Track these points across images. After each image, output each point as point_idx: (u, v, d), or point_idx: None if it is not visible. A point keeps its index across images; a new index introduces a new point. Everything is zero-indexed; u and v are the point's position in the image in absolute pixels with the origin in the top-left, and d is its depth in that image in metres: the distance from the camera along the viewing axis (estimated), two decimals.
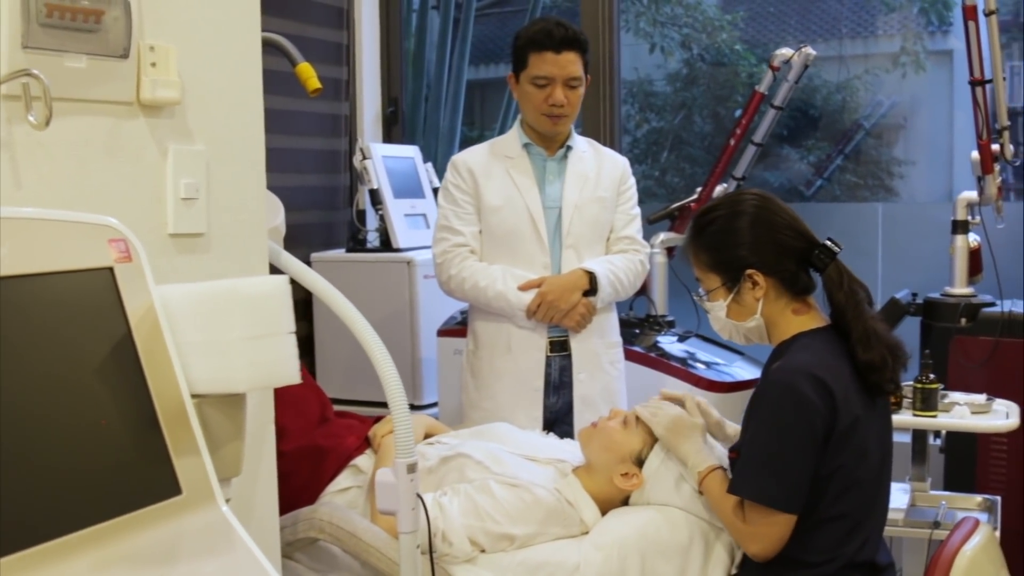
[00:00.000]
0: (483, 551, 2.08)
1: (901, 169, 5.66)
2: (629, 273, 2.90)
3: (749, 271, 2.01)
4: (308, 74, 2.41)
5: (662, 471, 2.17)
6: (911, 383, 2.64)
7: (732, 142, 3.50)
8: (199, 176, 1.73)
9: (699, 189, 3.59)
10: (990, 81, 3.07)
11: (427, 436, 2.47)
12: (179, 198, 1.70)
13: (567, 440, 2.52)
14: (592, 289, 2.81)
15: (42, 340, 1.16)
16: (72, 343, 1.19)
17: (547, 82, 2.77)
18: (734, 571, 2.12)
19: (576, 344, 2.86)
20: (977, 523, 1.99)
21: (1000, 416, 2.61)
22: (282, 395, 2.37)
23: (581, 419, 2.78)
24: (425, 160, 4.22)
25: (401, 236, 3.85)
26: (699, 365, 3.36)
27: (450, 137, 4.68)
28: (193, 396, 1.28)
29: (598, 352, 2.89)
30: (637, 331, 3.49)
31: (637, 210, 3.00)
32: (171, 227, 1.70)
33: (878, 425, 2.02)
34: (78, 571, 1.09)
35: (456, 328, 3.48)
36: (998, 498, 2.69)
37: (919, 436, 2.77)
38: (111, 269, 1.25)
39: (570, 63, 2.78)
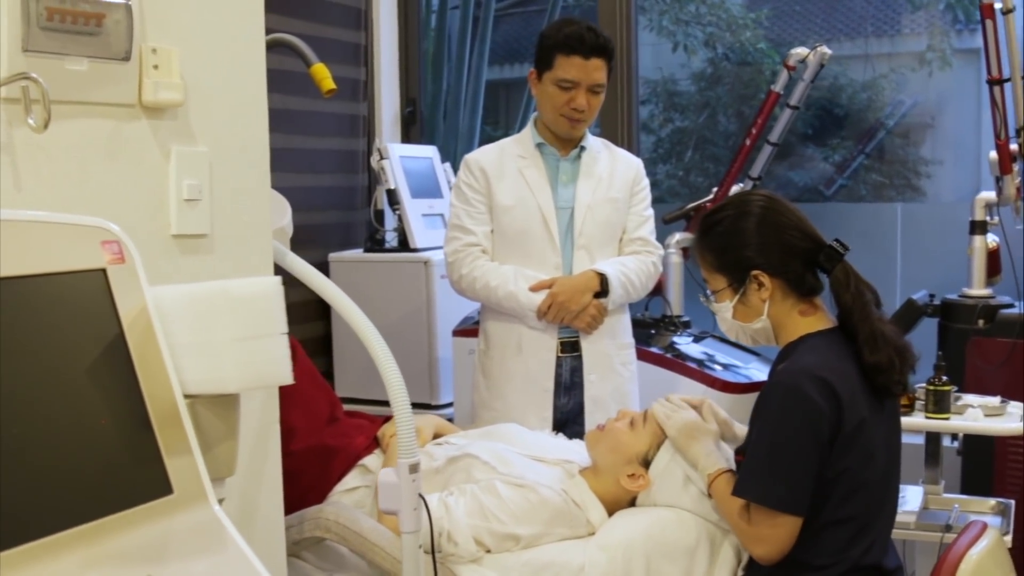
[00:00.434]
0: (488, 551, 2.09)
1: (928, 169, 5.62)
2: (641, 275, 2.89)
3: (755, 272, 2.01)
4: (322, 75, 2.42)
5: (669, 472, 2.16)
6: (924, 385, 2.62)
7: (748, 142, 3.48)
8: (202, 177, 1.75)
9: (715, 189, 3.58)
10: (1008, 80, 3.04)
11: (436, 436, 2.48)
12: (182, 199, 1.71)
13: (576, 441, 2.52)
14: (603, 291, 2.80)
15: (34, 341, 1.17)
16: (64, 344, 1.20)
17: (572, 86, 2.76)
18: (740, 573, 2.11)
19: (587, 345, 2.85)
20: (985, 527, 1.98)
21: (1014, 419, 2.59)
22: (292, 395, 2.38)
23: (592, 420, 2.77)
24: (443, 160, 4.23)
25: (418, 236, 3.86)
26: (715, 366, 3.34)
27: (469, 137, 4.68)
28: (186, 396, 1.29)
29: (609, 353, 2.88)
30: (653, 331, 3.48)
31: (650, 211, 2.99)
32: (174, 228, 1.71)
33: (885, 427, 2.01)
34: (67, 569, 1.10)
35: (471, 328, 3.48)
36: (1012, 502, 2.66)
37: (932, 439, 2.74)
38: (104, 271, 1.26)
39: (596, 69, 2.77)
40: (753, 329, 2.05)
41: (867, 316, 1.97)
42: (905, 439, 2.96)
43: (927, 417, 2.59)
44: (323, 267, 3.95)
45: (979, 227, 3.23)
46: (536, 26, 5.38)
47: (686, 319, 3.56)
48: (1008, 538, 2.42)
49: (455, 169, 4.16)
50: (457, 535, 2.06)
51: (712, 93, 6.28)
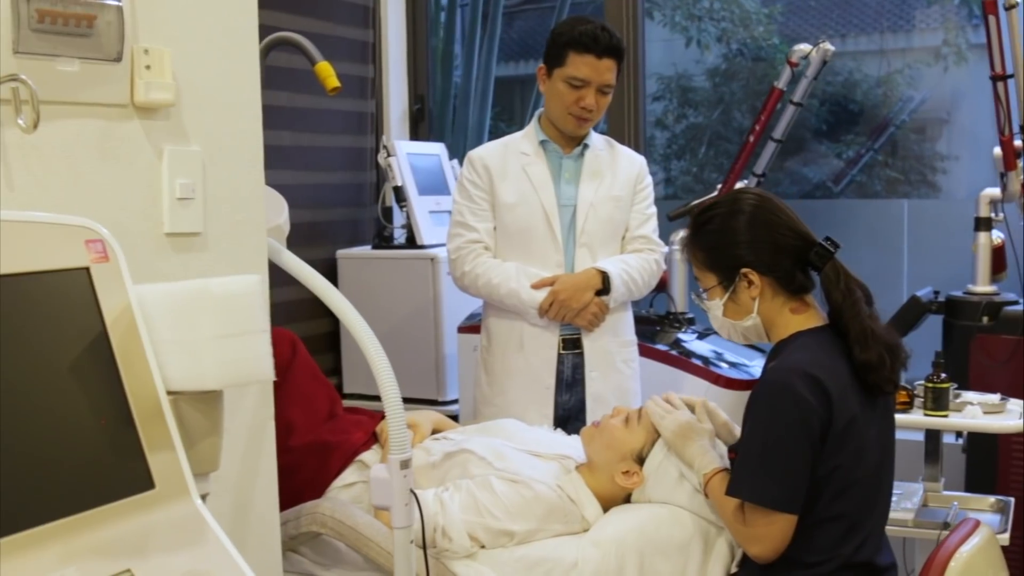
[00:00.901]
0: (483, 547, 2.10)
1: (944, 164, 5.59)
2: (643, 273, 2.89)
3: (744, 270, 2.01)
4: (327, 73, 2.44)
5: (663, 469, 2.17)
6: (922, 382, 2.62)
7: (751, 139, 3.48)
8: (195, 176, 1.77)
9: (719, 186, 3.58)
10: (1011, 76, 3.02)
11: (435, 432, 2.49)
12: (175, 198, 1.73)
13: (574, 437, 2.52)
14: (605, 288, 2.81)
15: (18, 338, 1.19)
16: (48, 341, 1.22)
17: (582, 84, 2.77)
18: (734, 570, 2.12)
19: (588, 343, 2.86)
20: (977, 524, 1.97)
21: (1013, 416, 2.58)
22: (291, 391, 2.41)
23: (593, 417, 2.78)
24: (451, 157, 4.24)
25: (425, 233, 3.88)
26: (720, 363, 3.35)
27: (478, 133, 4.70)
28: (169, 393, 1.31)
29: (611, 351, 2.89)
30: (657, 328, 3.49)
31: (653, 209, 2.99)
32: (167, 227, 1.73)
33: (877, 425, 2.01)
34: (46, 562, 1.13)
35: (476, 324, 3.49)
36: (1011, 499, 2.66)
37: (932, 436, 2.74)
38: (87, 269, 1.28)
39: (608, 70, 2.77)
40: (744, 327, 2.05)
41: (857, 314, 1.97)
42: (906, 436, 2.96)
43: (925, 414, 2.58)
44: (331, 264, 3.98)
45: (984, 223, 3.21)
46: (551, 23, 5.39)
47: (690, 316, 3.57)
48: (1006, 536, 2.42)
49: None
50: (452, 531, 2.07)
51: (726, 89, 6.26)
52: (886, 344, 1.97)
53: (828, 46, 3.38)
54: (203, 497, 1.34)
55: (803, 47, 3.43)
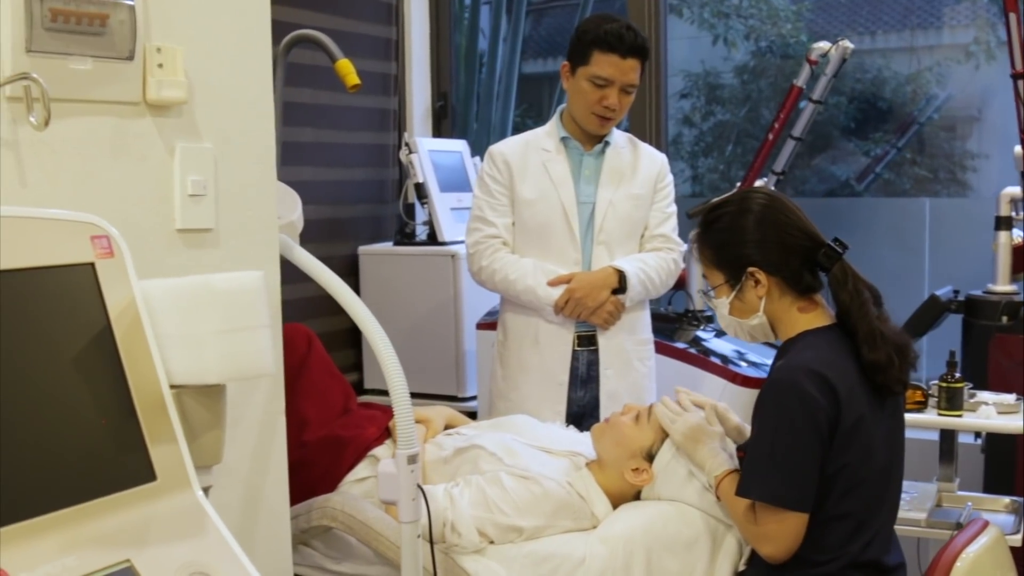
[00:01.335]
0: (492, 542, 2.11)
1: (975, 163, 5.55)
2: (661, 272, 2.89)
3: (751, 269, 2.01)
4: (347, 70, 2.47)
5: (672, 467, 2.18)
6: (936, 382, 2.60)
7: (770, 136, 3.47)
8: (207, 173, 1.79)
9: (738, 184, 3.57)
10: None
11: (448, 427, 2.51)
12: (186, 194, 1.76)
13: (586, 433, 2.53)
14: (621, 287, 2.81)
15: (23, 332, 1.22)
16: (53, 335, 1.25)
17: (606, 83, 2.76)
18: (742, 567, 2.12)
19: (604, 340, 2.87)
20: (986, 524, 1.97)
21: None
22: (307, 386, 2.44)
23: (607, 415, 2.78)
24: (473, 154, 4.26)
25: (446, 229, 3.90)
26: (738, 361, 3.34)
27: (502, 130, 4.71)
28: (172, 387, 1.34)
29: (627, 349, 2.90)
30: (675, 326, 3.49)
31: (673, 208, 2.98)
32: (178, 223, 1.76)
33: (886, 425, 2.01)
34: (46, 551, 1.15)
35: (495, 321, 3.51)
36: None
37: (947, 436, 2.73)
38: (92, 264, 1.31)
39: (632, 69, 2.77)
40: (750, 325, 2.06)
41: (865, 315, 1.97)
42: (922, 436, 2.95)
43: (939, 414, 2.57)
44: (353, 260, 4.00)
45: (1004, 222, 3.19)
46: (578, 20, 5.39)
47: (708, 313, 3.56)
48: (1018, 537, 2.41)
49: None
50: (461, 526, 2.09)
51: (754, 86, 6.24)
52: (895, 345, 1.97)
53: (847, 44, 3.36)
54: (206, 490, 1.37)
55: (822, 45, 3.41)
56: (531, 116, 5.74)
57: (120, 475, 1.25)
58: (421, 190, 3.91)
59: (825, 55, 3.40)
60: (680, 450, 2.16)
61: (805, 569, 1.96)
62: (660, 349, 3.07)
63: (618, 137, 2.95)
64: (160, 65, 1.69)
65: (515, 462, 2.23)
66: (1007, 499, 2.66)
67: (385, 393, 3.84)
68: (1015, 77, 2.98)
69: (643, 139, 3.08)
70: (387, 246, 4.05)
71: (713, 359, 3.32)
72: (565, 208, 2.84)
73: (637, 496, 2.23)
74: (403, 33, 4.31)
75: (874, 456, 1.96)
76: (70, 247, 1.30)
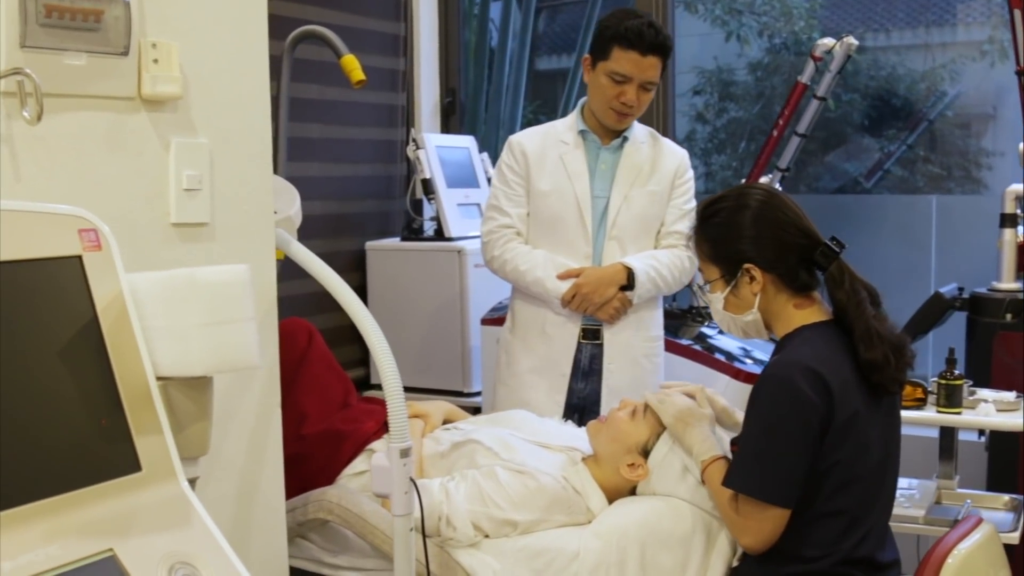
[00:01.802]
0: (486, 536, 2.12)
1: (989, 160, 5.52)
2: (674, 269, 2.87)
3: (747, 265, 2.01)
4: (352, 66, 2.48)
5: (667, 462, 2.18)
6: (936, 379, 2.60)
7: (775, 133, 3.47)
8: (202, 167, 1.81)
9: (743, 181, 3.56)
10: None
11: (446, 422, 2.52)
12: (182, 189, 1.77)
13: (583, 428, 2.54)
14: (630, 284, 2.82)
15: (9, 324, 1.23)
16: (39, 327, 1.26)
17: (624, 80, 2.76)
18: (735, 563, 2.13)
19: (609, 335, 2.88)
20: (979, 521, 1.96)
21: None
22: (307, 380, 2.45)
23: (608, 409, 2.79)
24: (482, 150, 4.26)
25: (453, 225, 3.91)
26: (743, 358, 3.34)
27: (511, 127, 4.71)
28: (159, 379, 1.35)
29: (632, 345, 2.90)
30: (680, 322, 3.49)
31: (692, 204, 2.94)
32: (174, 217, 1.78)
33: (882, 422, 2.00)
34: (29, 540, 1.16)
35: (500, 317, 3.52)
36: None
37: (946, 433, 2.72)
38: (80, 257, 1.32)
39: (651, 67, 2.77)
40: (743, 321, 2.06)
41: (862, 314, 1.96)
42: (924, 432, 2.94)
43: (938, 411, 2.56)
44: (360, 256, 4.01)
45: (1009, 220, 3.17)
46: (594, 16, 5.39)
47: None
48: (1015, 535, 2.40)
49: (493, 159, 4.20)
50: (456, 520, 2.10)
51: (768, 83, 6.22)
52: (891, 344, 1.96)
53: (852, 40, 3.35)
54: (192, 481, 1.38)
55: (826, 41, 3.41)
56: (545, 112, 5.74)
57: (105, 465, 1.27)
58: (428, 186, 3.92)
59: (829, 51, 3.39)
60: (670, 432, 2.17)
61: (797, 565, 1.96)
62: (664, 345, 3.07)
63: (638, 132, 2.94)
64: (155, 60, 1.71)
65: (511, 457, 2.24)
66: (1006, 496, 2.65)
67: None
68: (1019, 74, 2.97)
69: None
70: (394, 242, 4.06)
71: (718, 355, 3.32)
72: (579, 202, 2.85)
73: (632, 491, 2.24)
74: (412, 29, 4.32)
75: (868, 453, 1.95)
76: (58, 240, 1.31)
